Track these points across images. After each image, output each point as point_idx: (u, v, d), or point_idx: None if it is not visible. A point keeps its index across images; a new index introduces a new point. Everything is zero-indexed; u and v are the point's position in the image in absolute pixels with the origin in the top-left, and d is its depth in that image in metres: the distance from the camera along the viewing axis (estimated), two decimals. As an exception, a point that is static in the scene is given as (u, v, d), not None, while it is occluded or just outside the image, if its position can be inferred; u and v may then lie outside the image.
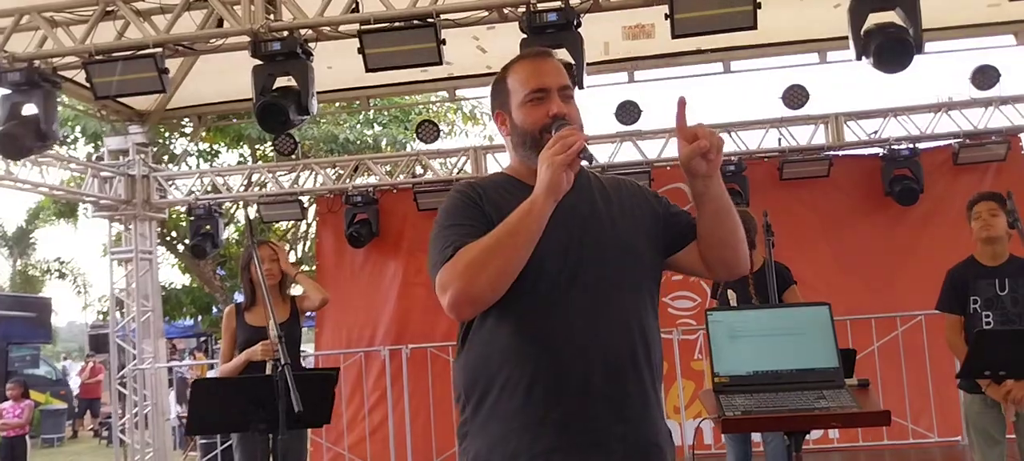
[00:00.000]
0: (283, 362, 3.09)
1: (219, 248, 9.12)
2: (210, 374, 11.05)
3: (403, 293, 8.47)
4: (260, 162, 13.21)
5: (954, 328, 4.44)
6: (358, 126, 14.64)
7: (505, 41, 6.82)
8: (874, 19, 4.82)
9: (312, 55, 5.36)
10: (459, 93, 8.85)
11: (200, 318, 18.14)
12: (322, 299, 5.04)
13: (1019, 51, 7.80)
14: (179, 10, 5.40)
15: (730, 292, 4.35)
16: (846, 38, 6.62)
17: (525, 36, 5.00)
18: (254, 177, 9.34)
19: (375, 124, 14.85)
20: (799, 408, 2.72)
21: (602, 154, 8.21)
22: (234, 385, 3.87)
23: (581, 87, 5.09)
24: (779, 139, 8.26)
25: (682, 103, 1.94)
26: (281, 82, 5.28)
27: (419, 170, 8.93)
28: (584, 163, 1.89)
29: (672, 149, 8.28)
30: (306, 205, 9.43)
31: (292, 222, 13.71)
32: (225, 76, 7.59)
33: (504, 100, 2.12)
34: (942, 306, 4.51)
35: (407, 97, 13.87)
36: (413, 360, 7.86)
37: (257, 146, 14.34)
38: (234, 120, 11.62)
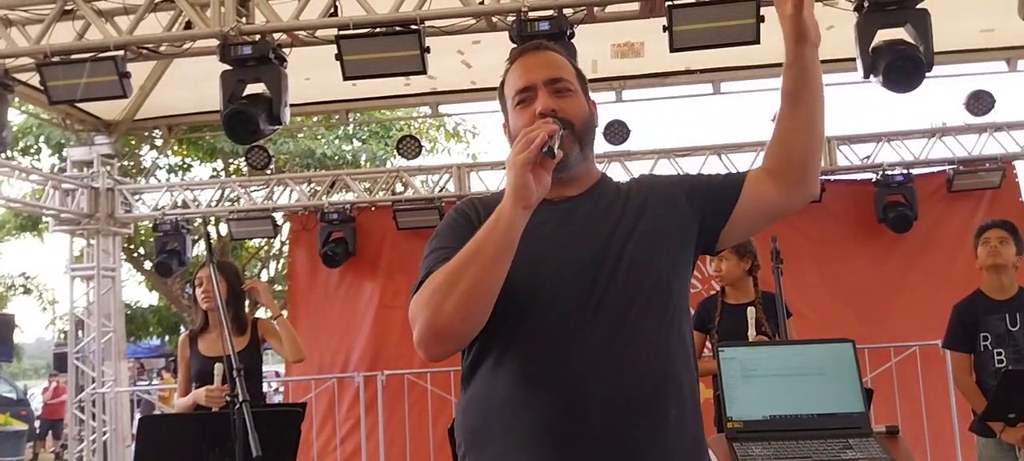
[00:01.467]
0: (241, 399, 2.74)
1: (186, 266, 8.71)
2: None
3: (380, 316, 8.12)
4: (233, 176, 12.83)
5: (963, 367, 4.18)
6: (336, 141, 14.31)
7: (491, 55, 6.56)
8: (883, 35, 4.57)
9: (285, 61, 5.02)
10: (442, 109, 8.56)
11: (167, 338, 17.61)
12: (296, 359, 4.54)
13: (1012, 77, 7.68)
14: (143, 10, 5.05)
15: (750, 309, 4.01)
16: (836, 61, 6.46)
17: (515, 46, 4.70)
18: (225, 192, 8.96)
19: (354, 139, 14.51)
20: (825, 460, 2.43)
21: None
22: (186, 422, 3.50)
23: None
24: (770, 162, 8.03)
25: None
26: (251, 89, 4.95)
27: (399, 187, 8.60)
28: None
29: (661, 169, 8.03)
30: (280, 222, 9.07)
31: (264, 240, 13.29)
32: (198, 85, 7.24)
33: (504, 109, 1.89)
34: (949, 344, 4.25)
35: (388, 112, 13.57)
36: (389, 387, 7.51)
37: (231, 160, 13.95)
38: (206, 133, 11.24)
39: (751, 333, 3.86)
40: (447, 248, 1.70)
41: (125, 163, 11.57)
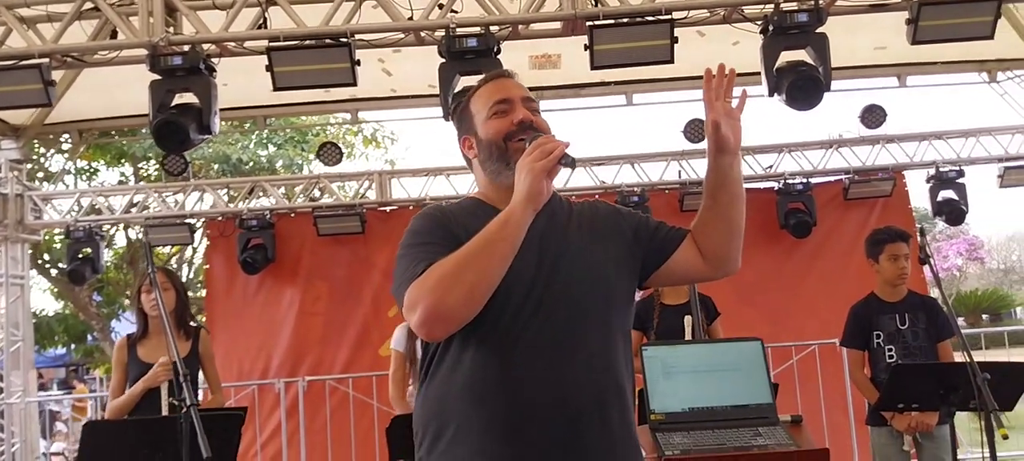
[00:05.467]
0: (189, 402, 2.83)
1: (99, 274, 8.53)
2: (90, 408, 10.30)
3: (300, 322, 8.11)
4: (143, 181, 12.55)
5: (857, 363, 4.57)
6: (251, 146, 14.13)
7: (411, 64, 6.70)
8: (786, 57, 4.92)
9: (215, 71, 5.06)
10: (361, 115, 8.61)
11: (73, 346, 17.01)
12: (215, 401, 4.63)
13: (902, 92, 8.26)
14: (69, 19, 5.00)
15: (687, 318, 4.29)
16: (741, 75, 6.83)
17: (443, 61, 4.86)
18: (138, 198, 8.80)
19: (270, 144, 14.36)
20: (738, 446, 2.69)
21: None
22: (133, 428, 3.53)
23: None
24: (680, 172, 8.41)
25: (732, 74, 1.91)
26: (181, 99, 4.97)
27: (316, 193, 8.62)
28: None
29: (577, 179, 8.29)
30: (195, 228, 8.95)
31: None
32: (109, 91, 7.14)
33: (469, 124, 2.06)
34: (846, 342, 4.63)
35: (305, 117, 13.49)
36: (310, 393, 7.53)
37: (140, 164, 13.62)
38: (115, 137, 10.99)
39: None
40: (433, 244, 1.86)
41: (28, 166, 11.20)
